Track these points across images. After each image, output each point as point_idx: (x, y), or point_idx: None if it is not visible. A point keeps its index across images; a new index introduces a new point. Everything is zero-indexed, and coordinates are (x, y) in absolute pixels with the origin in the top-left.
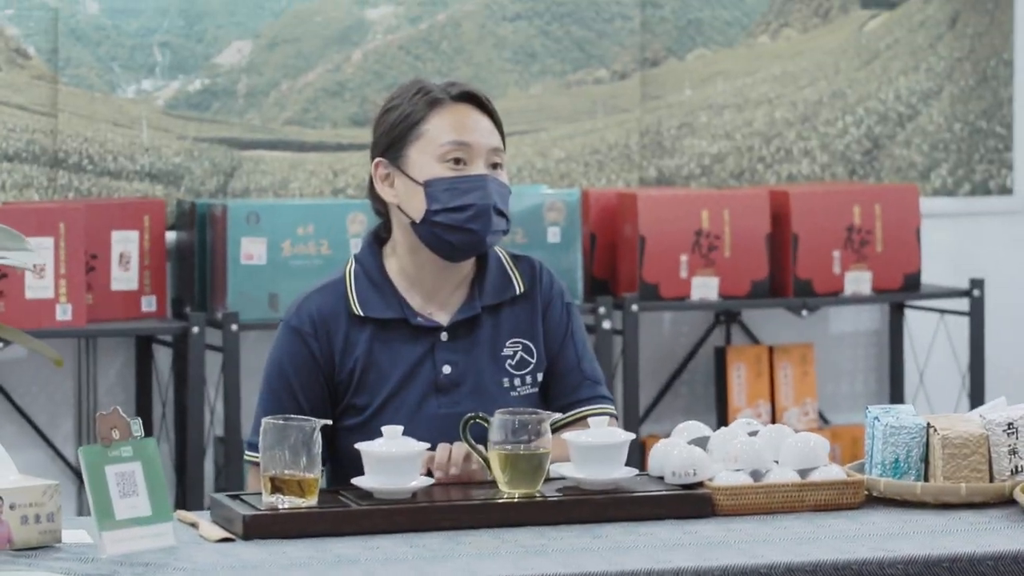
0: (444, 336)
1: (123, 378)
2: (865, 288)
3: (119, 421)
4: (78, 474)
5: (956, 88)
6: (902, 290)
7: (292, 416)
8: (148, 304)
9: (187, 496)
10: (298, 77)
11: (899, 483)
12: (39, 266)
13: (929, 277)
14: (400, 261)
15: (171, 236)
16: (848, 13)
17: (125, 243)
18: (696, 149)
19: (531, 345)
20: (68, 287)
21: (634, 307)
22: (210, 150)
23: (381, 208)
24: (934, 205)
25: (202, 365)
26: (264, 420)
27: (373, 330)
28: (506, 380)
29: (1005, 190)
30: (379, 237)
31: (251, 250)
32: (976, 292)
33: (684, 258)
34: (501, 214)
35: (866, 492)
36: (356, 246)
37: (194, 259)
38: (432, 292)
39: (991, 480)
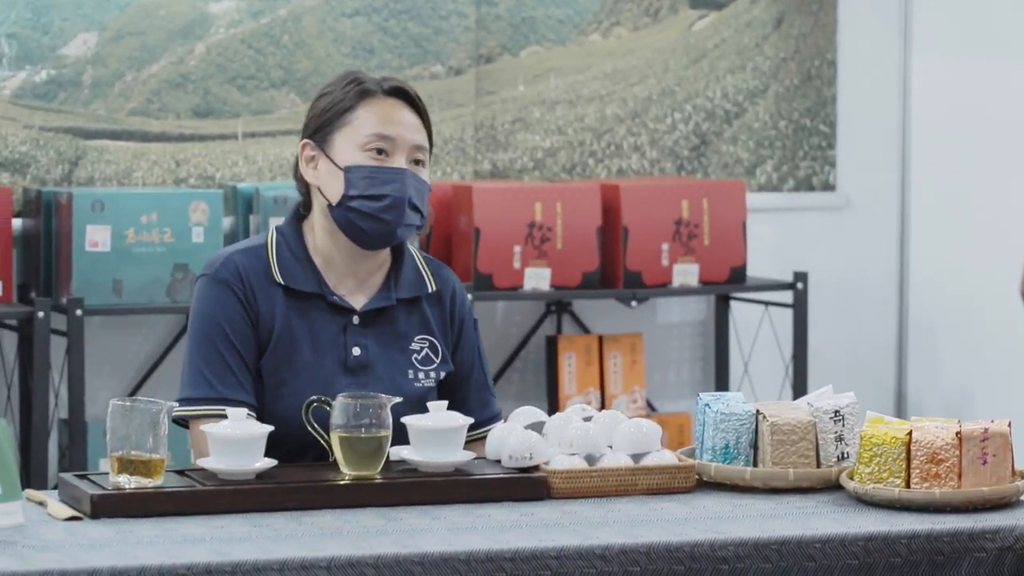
0: (356, 320)
1: None
2: (692, 280)
3: None
4: None
5: (781, 87)
6: (728, 282)
7: (139, 398)
8: None
9: (32, 477)
10: (142, 69)
11: (729, 468)
12: None
13: (754, 270)
14: (317, 241)
15: (17, 223)
16: (677, 13)
17: None
18: (529, 143)
19: (437, 344)
20: None
21: (469, 296)
22: (56, 139)
23: (303, 189)
24: (759, 200)
25: (47, 349)
26: (111, 402)
27: (290, 300)
28: (411, 371)
29: (828, 186)
30: (299, 214)
31: (96, 237)
32: (799, 285)
33: (518, 249)
34: (416, 209)
35: (697, 477)
36: (199, 235)
37: (40, 246)
38: (346, 275)
39: (818, 466)
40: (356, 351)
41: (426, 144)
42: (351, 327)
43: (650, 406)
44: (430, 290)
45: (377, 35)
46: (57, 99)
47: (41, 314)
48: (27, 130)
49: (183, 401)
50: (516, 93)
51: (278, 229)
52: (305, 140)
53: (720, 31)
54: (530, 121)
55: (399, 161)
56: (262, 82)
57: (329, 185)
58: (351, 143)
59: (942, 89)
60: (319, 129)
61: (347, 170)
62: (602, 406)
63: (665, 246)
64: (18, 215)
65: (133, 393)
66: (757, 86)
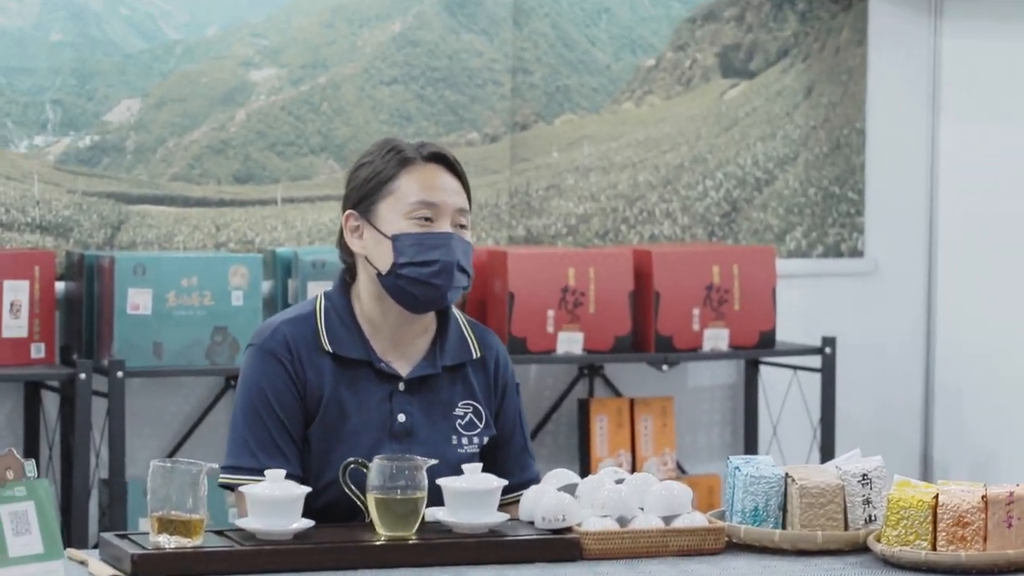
0: (402, 386)
1: (12, 422)
2: (723, 344)
3: (14, 462)
4: None
5: (811, 154)
6: (758, 347)
7: (179, 460)
8: (37, 351)
9: (72, 536)
10: (184, 135)
11: (758, 530)
12: None
13: (783, 335)
14: (364, 307)
15: (60, 286)
16: (709, 82)
17: (16, 292)
18: (563, 210)
19: (481, 409)
20: None
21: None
22: (98, 204)
23: (348, 258)
24: (789, 266)
25: (88, 410)
26: (152, 463)
27: (338, 367)
28: (454, 437)
29: (856, 252)
30: (346, 280)
31: (137, 300)
32: (828, 349)
33: (551, 313)
34: (463, 271)
35: (727, 539)
36: (238, 298)
37: (82, 308)
38: (394, 341)
39: (846, 528)
40: (401, 417)
41: (467, 206)
42: (397, 394)
43: (680, 468)
44: (474, 356)
45: (414, 103)
46: (100, 164)
47: (83, 376)
48: (71, 195)
49: (228, 469)
50: (550, 160)
51: (326, 295)
52: (349, 211)
53: (751, 100)
54: (564, 188)
55: (444, 226)
56: (301, 148)
57: (377, 254)
58: (396, 212)
59: (969, 157)
60: (363, 199)
61: (395, 239)
62: (633, 468)
63: (696, 311)
64: (61, 278)
65: (172, 453)
66: (787, 154)
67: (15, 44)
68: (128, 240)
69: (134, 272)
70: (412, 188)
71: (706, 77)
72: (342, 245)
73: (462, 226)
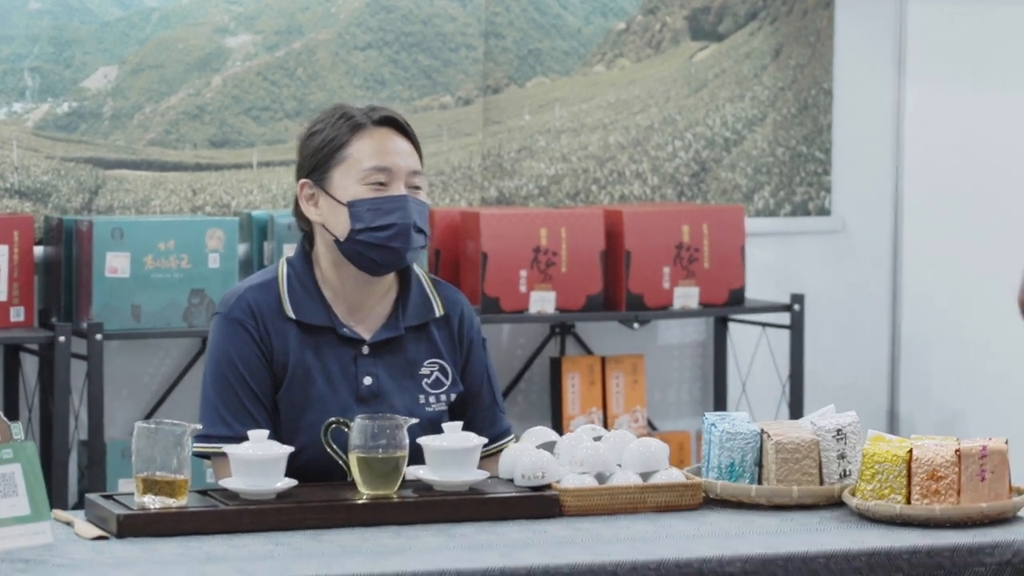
0: (366, 349)
1: None
2: (693, 302)
3: (0, 425)
4: None
5: (779, 115)
6: (727, 304)
7: (163, 421)
8: (16, 314)
9: (53, 496)
10: (161, 101)
11: (735, 486)
12: None
13: (753, 292)
14: (324, 273)
15: (39, 250)
16: (679, 44)
17: None
18: (535, 171)
19: (447, 367)
20: None
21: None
22: (76, 169)
23: (305, 226)
24: (758, 225)
25: (67, 372)
26: (136, 424)
27: (302, 333)
28: (421, 396)
29: (824, 211)
30: (306, 247)
31: (115, 264)
32: (796, 307)
33: (523, 273)
34: (420, 231)
35: (704, 494)
36: (215, 261)
37: (61, 272)
38: (355, 305)
39: (821, 483)
40: (367, 380)
41: (420, 167)
42: (361, 357)
43: (651, 425)
44: (438, 314)
45: (388, 67)
46: (78, 130)
47: (62, 338)
48: (49, 160)
49: (201, 438)
50: (522, 122)
51: (288, 262)
52: (303, 179)
53: (720, 62)
54: (536, 149)
55: (399, 188)
56: (276, 113)
57: (333, 221)
58: (350, 178)
59: (934, 116)
60: (316, 167)
61: (351, 205)
62: (605, 425)
63: (666, 270)
64: (40, 243)
65: (150, 415)
66: (755, 114)
67: None
68: (106, 204)
69: (112, 236)
70: (364, 153)
71: (676, 40)
72: (298, 214)
73: (416, 187)
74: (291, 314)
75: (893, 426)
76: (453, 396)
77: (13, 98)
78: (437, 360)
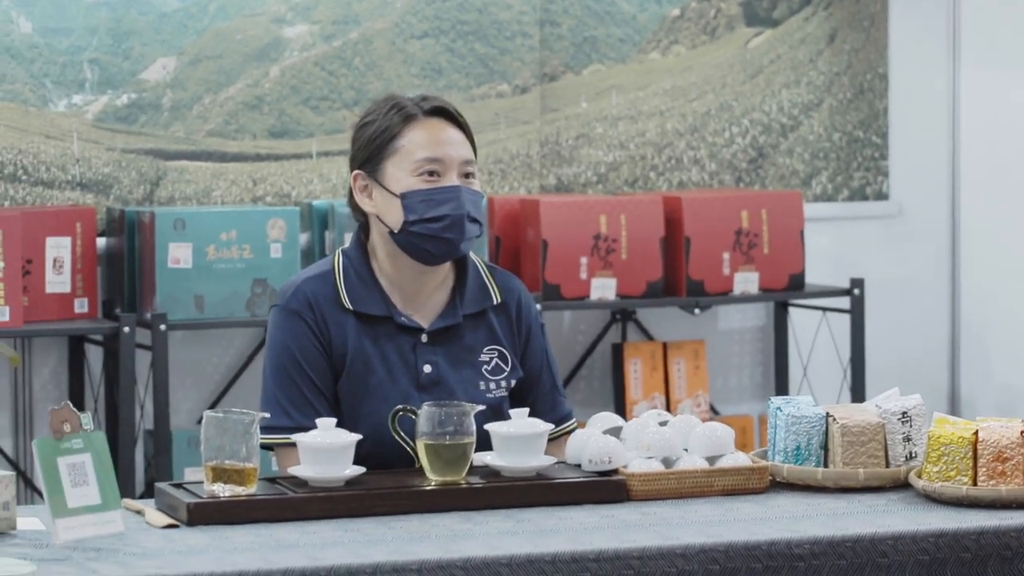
0: (424, 338)
1: (57, 376)
2: (753, 288)
3: (70, 415)
4: (15, 465)
5: (835, 100)
6: (787, 289)
7: (231, 409)
8: (81, 306)
9: (121, 486)
10: (219, 92)
11: (801, 469)
12: None
13: (812, 277)
14: (380, 263)
15: (102, 242)
16: (734, 30)
17: (58, 248)
18: (593, 158)
19: (506, 353)
20: (5, 290)
21: (538, 307)
22: (137, 161)
23: (360, 217)
24: (816, 210)
25: (132, 363)
26: (205, 413)
27: (360, 324)
28: (481, 383)
29: (881, 196)
30: (362, 237)
31: (177, 255)
32: (856, 291)
33: (584, 260)
34: (475, 221)
35: (771, 478)
36: (276, 251)
37: (124, 263)
38: (412, 295)
39: (887, 466)
40: (427, 368)
41: (472, 156)
42: (420, 346)
43: (713, 409)
44: (495, 301)
45: (445, 56)
46: (138, 122)
47: (126, 329)
48: (109, 152)
49: (264, 429)
50: (579, 110)
51: (344, 253)
52: (356, 171)
53: (775, 47)
54: (593, 136)
55: (451, 179)
56: (335, 103)
57: (387, 212)
58: (402, 169)
59: (989, 99)
60: (369, 159)
61: (403, 196)
62: (667, 410)
63: (726, 255)
64: (102, 234)
65: (215, 404)
66: (812, 100)
67: (52, 5)
68: (167, 196)
69: (174, 227)
70: (416, 144)
71: (730, 26)
72: (353, 205)
73: (468, 175)
74: (348, 305)
75: (954, 408)
76: (513, 382)
77: (73, 90)
78: (496, 347)
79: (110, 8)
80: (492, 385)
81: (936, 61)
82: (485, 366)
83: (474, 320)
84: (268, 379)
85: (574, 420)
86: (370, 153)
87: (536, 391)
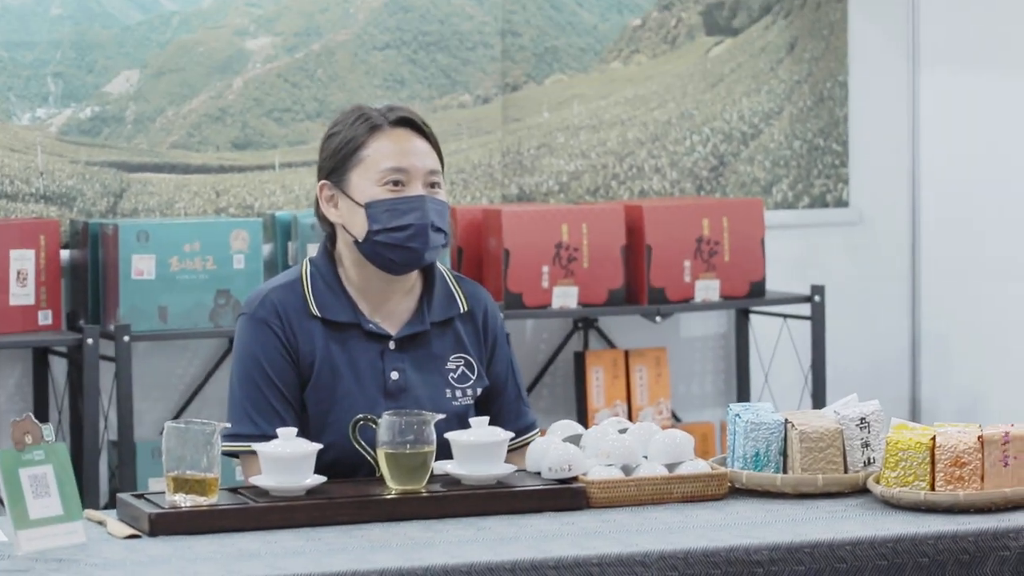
0: (392, 345)
1: (21, 387)
2: (714, 295)
3: (32, 427)
4: None
5: (795, 108)
6: (748, 297)
7: (192, 420)
8: (44, 318)
9: (85, 497)
10: (183, 104)
11: (760, 475)
12: None
13: (773, 284)
14: (347, 272)
15: (65, 254)
16: (694, 40)
17: (22, 261)
18: (554, 167)
19: (472, 361)
20: None
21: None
22: (101, 173)
23: (327, 227)
24: (777, 217)
25: (96, 374)
26: (166, 424)
27: (328, 331)
28: (448, 391)
29: (841, 203)
30: (328, 247)
31: (141, 266)
32: (817, 298)
33: (546, 269)
34: (439, 230)
35: (729, 484)
36: (239, 261)
37: (87, 275)
38: (379, 303)
39: (846, 471)
40: (394, 375)
41: (438, 166)
42: (388, 353)
43: (675, 417)
44: (462, 310)
45: (407, 67)
46: (101, 135)
47: (90, 340)
48: (73, 165)
49: (229, 437)
50: (541, 120)
51: (311, 261)
52: (323, 181)
53: (736, 56)
54: (555, 146)
55: (416, 189)
56: (298, 114)
57: (352, 222)
58: (367, 179)
59: (949, 105)
60: (334, 169)
61: (368, 206)
62: (629, 418)
63: (687, 263)
64: (66, 246)
65: (179, 414)
66: (772, 108)
67: (16, 19)
68: (130, 208)
69: (137, 239)
70: (381, 154)
71: (691, 35)
72: (319, 215)
73: (434, 184)
74: (316, 312)
75: (915, 414)
76: (479, 391)
77: (36, 104)
78: (463, 355)
79: (74, 21)
80: (459, 393)
81: (895, 68)
82: (452, 374)
83: (441, 328)
84: (235, 387)
85: (537, 430)
86: (336, 163)
87: (501, 400)
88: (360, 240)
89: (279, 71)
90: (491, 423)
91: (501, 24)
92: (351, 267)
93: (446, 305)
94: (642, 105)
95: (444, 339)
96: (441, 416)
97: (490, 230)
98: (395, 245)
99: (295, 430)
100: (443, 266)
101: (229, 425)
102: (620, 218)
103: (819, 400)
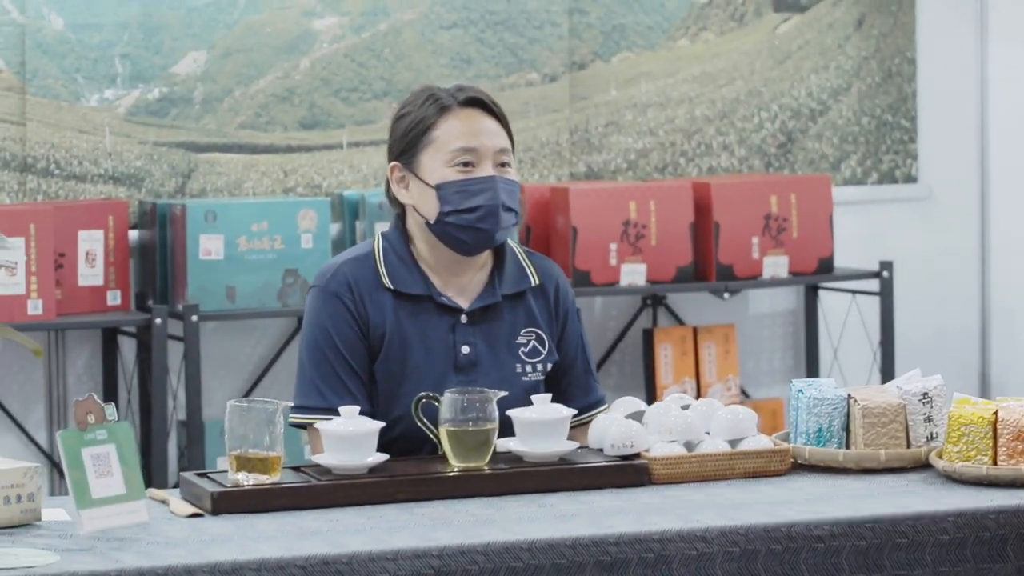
0: (464, 319)
1: (90, 367)
2: (782, 272)
3: (94, 406)
4: (49, 457)
5: (863, 85)
6: (816, 273)
7: (255, 399)
8: (113, 298)
9: (153, 476)
10: (250, 84)
11: (823, 451)
12: (11, 264)
13: (841, 260)
14: (420, 250)
15: (134, 235)
16: (762, 17)
17: (91, 242)
18: (622, 145)
19: (544, 335)
20: (39, 283)
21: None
22: (169, 154)
23: (398, 208)
24: (845, 194)
25: (165, 354)
26: (229, 403)
27: (400, 304)
28: (518, 366)
29: (910, 179)
30: (401, 222)
31: (209, 246)
32: (885, 273)
33: (614, 247)
34: (510, 210)
35: (792, 460)
36: (307, 241)
37: (156, 255)
38: (452, 277)
39: (908, 446)
40: (465, 349)
41: (508, 145)
42: (459, 326)
43: (744, 393)
44: (533, 283)
45: (474, 46)
46: (169, 115)
47: (159, 321)
48: (141, 146)
49: (298, 408)
50: (608, 97)
51: (384, 236)
52: (393, 162)
53: (803, 33)
54: (623, 124)
55: (486, 169)
56: (365, 94)
57: (423, 203)
58: (437, 161)
59: (1018, 81)
60: (404, 150)
61: (438, 187)
62: (698, 395)
63: (755, 240)
64: (134, 227)
65: (247, 394)
66: (840, 84)
67: (83, 1)
68: (198, 188)
69: (205, 219)
70: (451, 135)
71: (759, 12)
72: (390, 196)
73: (504, 164)
74: (388, 284)
75: (984, 389)
76: (549, 366)
77: (104, 85)
78: (534, 329)
79: (141, 3)
80: (528, 368)
81: (964, 44)
82: (522, 348)
83: (512, 302)
84: (304, 359)
85: (606, 406)
86: (406, 144)
87: (570, 376)
88: (432, 222)
89: (346, 51)
90: (560, 398)
91: (568, 2)
92: (422, 244)
93: (518, 279)
94: (710, 82)
95: (515, 313)
96: (504, 393)
97: (558, 208)
98: (466, 226)
99: (357, 408)
100: (514, 242)
101: (291, 404)
102: (688, 195)
103: (888, 376)
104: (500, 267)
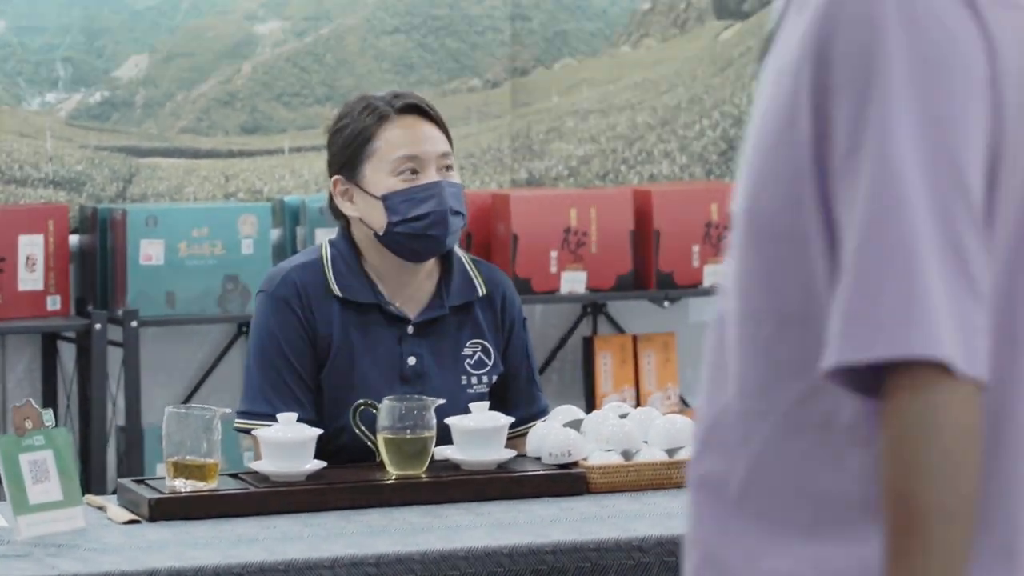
0: (411, 329)
1: (30, 373)
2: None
3: (32, 412)
4: None
5: None
6: None
7: (193, 405)
8: (53, 303)
9: (92, 482)
10: (192, 89)
11: None
12: None
13: None
14: (367, 258)
15: (74, 239)
16: (704, 24)
17: (31, 246)
18: (564, 152)
19: (489, 347)
20: None
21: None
22: (110, 158)
23: (343, 222)
24: None
25: (104, 359)
26: (167, 409)
27: (347, 312)
28: (464, 378)
29: None
30: (348, 230)
31: (149, 251)
32: None
33: (554, 254)
34: (458, 213)
35: None
36: (248, 247)
37: (96, 260)
38: (400, 286)
39: None
40: (412, 360)
41: (449, 149)
42: (406, 337)
43: (683, 402)
44: (480, 294)
45: (416, 51)
46: (111, 119)
47: (98, 326)
48: (82, 150)
49: (243, 414)
50: (550, 104)
51: (331, 243)
52: (335, 176)
53: (745, 40)
54: (564, 131)
55: (430, 175)
56: (307, 99)
57: (370, 215)
58: (381, 171)
59: None
60: (346, 163)
61: (384, 198)
62: (637, 403)
63: (696, 248)
64: (75, 232)
65: (187, 400)
66: None
67: (26, 4)
68: (140, 193)
69: (146, 224)
70: (393, 144)
71: (701, 19)
72: (333, 209)
73: (448, 168)
74: (337, 292)
75: None
76: (495, 378)
77: (46, 89)
78: (480, 340)
79: (83, 7)
80: (474, 380)
81: None
82: (468, 360)
83: (459, 313)
84: (252, 365)
85: (549, 416)
86: (347, 157)
87: (515, 385)
88: (380, 233)
89: (288, 56)
90: (504, 407)
91: (510, 8)
92: (369, 254)
93: (465, 289)
94: (652, 89)
95: (462, 324)
96: (442, 401)
97: (499, 215)
98: (416, 235)
99: (295, 415)
100: (461, 250)
101: (229, 410)
102: (629, 203)
103: None
104: (448, 277)
